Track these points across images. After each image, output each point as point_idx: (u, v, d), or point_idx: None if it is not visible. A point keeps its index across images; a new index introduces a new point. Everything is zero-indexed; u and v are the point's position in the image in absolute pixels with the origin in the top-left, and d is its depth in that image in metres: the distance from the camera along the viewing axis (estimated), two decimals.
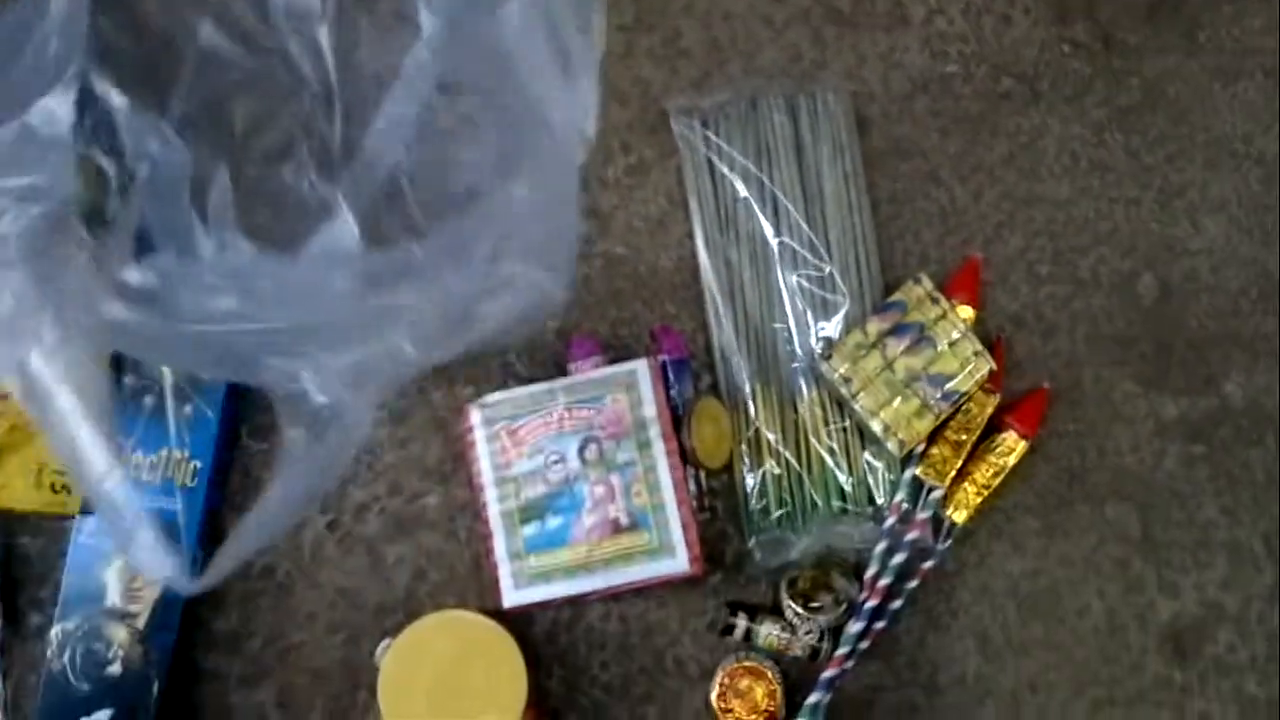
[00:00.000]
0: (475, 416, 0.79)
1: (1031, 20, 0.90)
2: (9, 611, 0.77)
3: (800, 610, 0.78)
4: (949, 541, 0.80)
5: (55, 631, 0.75)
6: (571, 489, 0.78)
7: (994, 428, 0.82)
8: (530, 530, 0.77)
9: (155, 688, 0.75)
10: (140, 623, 0.76)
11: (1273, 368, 0.86)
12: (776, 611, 0.79)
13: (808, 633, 0.78)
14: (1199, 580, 0.82)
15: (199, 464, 0.78)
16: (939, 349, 0.80)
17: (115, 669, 0.75)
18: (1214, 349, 0.85)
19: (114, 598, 0.76)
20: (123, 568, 0.76)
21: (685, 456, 0.78)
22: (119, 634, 0.75)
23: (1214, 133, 0.89)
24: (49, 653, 0.75)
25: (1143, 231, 0.87)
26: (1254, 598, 0.82)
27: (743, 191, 0.83)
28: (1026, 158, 0.88)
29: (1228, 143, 0.89)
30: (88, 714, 0.75)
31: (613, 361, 0.80)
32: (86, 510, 0.76)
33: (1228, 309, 0.87)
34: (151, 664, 0.75)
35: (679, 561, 0.77)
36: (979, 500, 0.80)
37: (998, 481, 0.81)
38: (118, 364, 0.78)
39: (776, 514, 0.80)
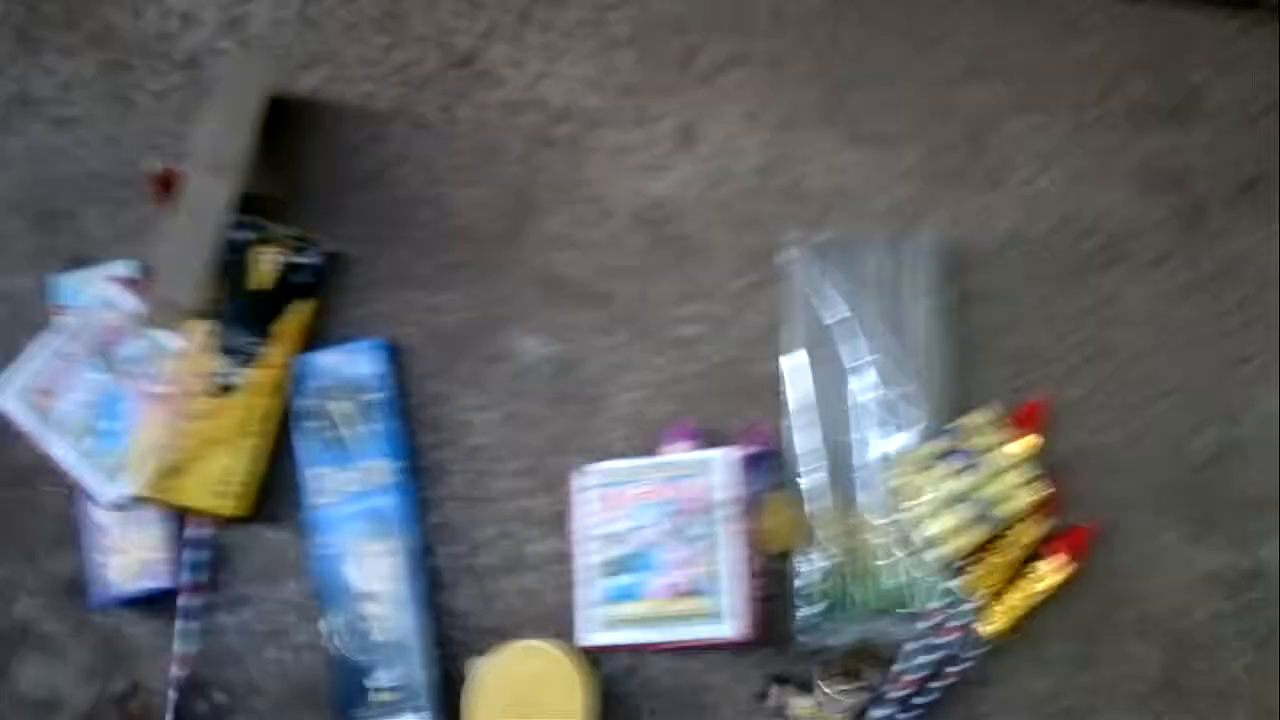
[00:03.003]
0: (579, 481, 0.95)
1: (1126, 188, 0.98)
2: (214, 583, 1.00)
3: (829, 691, 0.88)
4: (978, 652, 0.89)
5: (324, 625, 0.96)
6: (649, 553, 0.92)
7: (1036, 555, 0.90)
8: (610, 583, 0.92)
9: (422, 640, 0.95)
10: (386, 597, 0.95)
11: None
12: (811, 689, 0.90)
13: (838, 710, 0.89)
14: None
15: (393, 466, 0.98)
16: (990, 475, 0.89)
17: (379, 637, 0.95)
18: (1260, 512, 0.90)
19: (360, 585, 0.96)
20: (357, 565, 0.96)
21: (751, 540, 0.91)
22: (373, 610, 0.95)
23: None
24: (327, 644, 0.96)
25: (1208, 391, 0.93)
26: None
27: (833, 318, 0.96)
28: (1107, 311, 0.95)
29: None
30: (370, 676, 0.95)
31: (701, 448, 0.94)
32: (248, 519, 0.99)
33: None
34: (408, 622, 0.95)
35: (731, 628, 0.89)
36: (1011, 619, 0.88)
37: (1032, 605, 0.88)
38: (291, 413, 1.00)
39: (822, 604, 0.91)
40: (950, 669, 0.89)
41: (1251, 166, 0.96)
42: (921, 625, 0.89)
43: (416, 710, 0.94)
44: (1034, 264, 0.97)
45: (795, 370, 0.96)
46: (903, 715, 0.89)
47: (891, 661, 0.90)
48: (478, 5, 1.06)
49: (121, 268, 1.01)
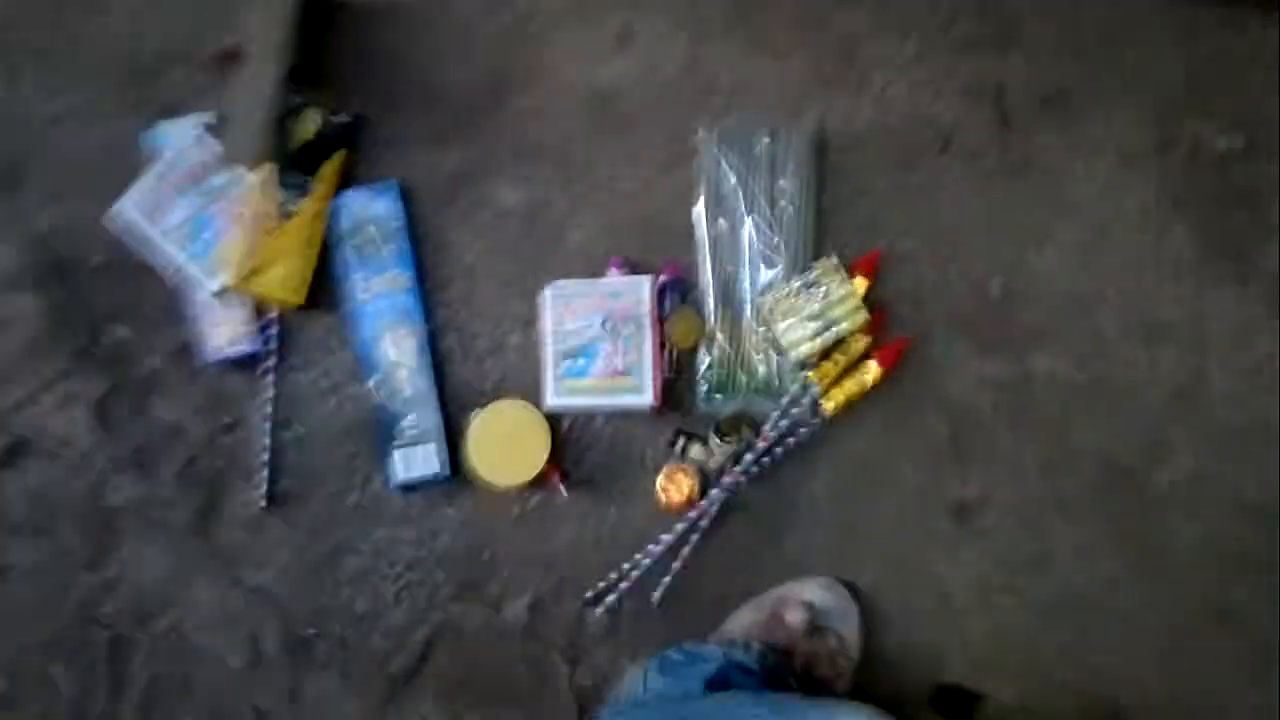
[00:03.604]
0: (549, 292, 1.31)
1: (956, 97, 1.34)
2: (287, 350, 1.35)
3: (719, 442, 1.28)
4: (819, 421, 1.28)
5: (371, 382, 1.32)
6: (594, 344, 1.29)
7: (865, 358, 1.29)
8: (567, 365, 1.29)
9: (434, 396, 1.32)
10: (409, 365, 1.32)
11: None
12: (706, 440, 1.29)
13: (722, 455, 1.28)
14: (985, 478, 1.29)
15: (408, 274, 1.33)
16: (833, 300, 1.28)
17: (405, 393, 1.31)
18: (1035, 336, 1.30)
19: (390, 357, 1.32)
20: (388, 343, 1.32)
21: (664, 339, 1.29)
22: (400, 374, 1.32)
23: (1069, 196, 1.32)
24: (373, 394, 1.32)
25: (1001, 251, 1.31)
26: (1022, 498, 1.28)
27: (731, 185, 1.32)
28: (934, 190, 1.32)
29: (1078, 205, 1.31)
30: (400, 420, 1.31)
31: (631, 274, 1.31)
32: (303, 306, 1.33)
33: (1051, 312, 1.30)
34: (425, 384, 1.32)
35: (647, 398, 1.27)
36: (845, 400, 1.28)
37: (859, 392, 1.28)
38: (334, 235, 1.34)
39: (717, 384, 1.30)
40: (800, 432, 1.28)
41: (1051, 85, 1.33)
42: (782, 402, 1.28)
43: (432, 442, 1.31)
44: (883, 151, 1.34)
45: (702, 221, 1.33)
46: (765, 460, 1.29)
47: (761, 426, 1.29)
48: None
49: (205, 117, 1.32)
